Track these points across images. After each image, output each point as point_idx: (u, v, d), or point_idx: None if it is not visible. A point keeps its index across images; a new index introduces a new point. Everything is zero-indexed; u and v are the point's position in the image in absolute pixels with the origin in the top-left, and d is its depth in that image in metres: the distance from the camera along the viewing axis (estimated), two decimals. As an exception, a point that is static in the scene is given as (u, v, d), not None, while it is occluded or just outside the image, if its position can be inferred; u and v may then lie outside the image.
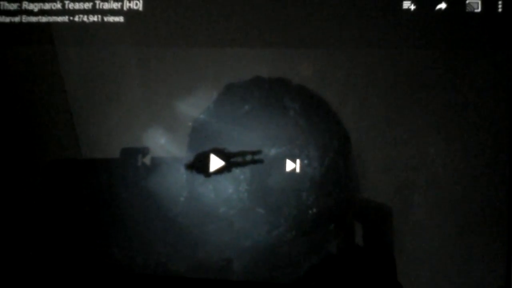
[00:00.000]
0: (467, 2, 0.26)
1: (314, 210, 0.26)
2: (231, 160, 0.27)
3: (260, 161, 0.26)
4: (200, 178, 0.27)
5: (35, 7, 0.28)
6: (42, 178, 0.28)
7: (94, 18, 0.28)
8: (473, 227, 0.26)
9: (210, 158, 0.27)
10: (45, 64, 0.28)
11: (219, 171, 0.27)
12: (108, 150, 0.27)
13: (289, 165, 0.26)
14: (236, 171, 0.27)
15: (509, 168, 0.26)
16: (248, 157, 0.26)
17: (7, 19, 0.28)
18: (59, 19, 0.28)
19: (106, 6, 0.27)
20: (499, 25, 0.26)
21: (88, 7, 0.28)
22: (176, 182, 0.27)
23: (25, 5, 0.28)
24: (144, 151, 0.27)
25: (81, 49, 0.28)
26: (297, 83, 0.26)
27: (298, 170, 0.26)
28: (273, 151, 0.26)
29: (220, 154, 0.27)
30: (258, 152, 0.26)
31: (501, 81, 0.26)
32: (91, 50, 0.28)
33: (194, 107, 0.27)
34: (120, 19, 0.27)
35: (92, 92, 0.28)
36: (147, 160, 0.27)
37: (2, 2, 0.28)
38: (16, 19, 0.28)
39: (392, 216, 0.26)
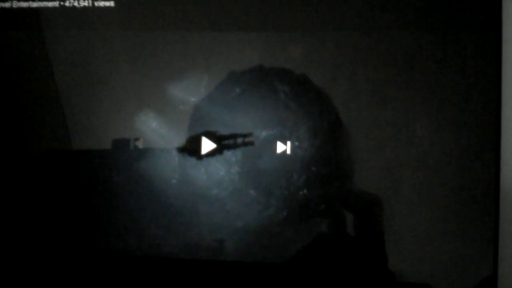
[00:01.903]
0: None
1: (305, 191, 0.26)
2: (223, 143, 0.27)
3: (251, 144, 0.27)
4: (192, 160, 0.27)
5: (25, -9, 0.28)
6: (35, 167, 0.28)
7: (84, 3, 0.28)
8: (461, 209, 0.26)
9: (202, 141, 0.27)
10: (36, 50, 0.28)
11: (211, 154, 0.27)
12: (100, 135, 0.27)
13: (280, 147, 0.27)
14: (228, 153, 0.27)
15: (497, 150, 0.26)
16: (239, 140, 0.27)
17: (-3, 4, 0.28)
18: (50, 4, 0.28)
19: (96, -10, 0.28)
20: (485, 7, 0.26)
21: (78, -9, 0.28)
22: (168, 165, 0.27)
23: (15, -10, 0.28)
24: (136, 137, 0.27)
25: (71, 34, 0.28)
26: (287, 66, 0.27)
27: (288, 152, 0.27)
28: (264, 134, 0.27)
29: (212, 137, 0.27)
30: (249, 134, 0.27)
31: (487, 63, 0.26)
32: (81, 35, 0.28)
33: (185, 91, 0.27)
34: (111, 3, 0.27)
35: (83, 77, 0.28)
36: (139, 143, 0.27)
37: (-8, -13, 0.28)
38: (7, 4, 0.28)
39: (382, 198, 0.26)
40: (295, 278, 0.26)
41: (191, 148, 0.27)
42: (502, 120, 0.26)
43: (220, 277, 0.27)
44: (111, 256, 0.27)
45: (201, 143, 0.27)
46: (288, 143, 0.27)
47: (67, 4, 0.28)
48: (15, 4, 0.28)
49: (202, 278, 0.27)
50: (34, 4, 0.28)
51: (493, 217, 0.26)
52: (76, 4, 0.28)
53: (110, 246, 0.27)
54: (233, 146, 0.27)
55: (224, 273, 0.27)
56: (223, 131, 0.27)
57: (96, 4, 0.27)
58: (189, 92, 0.27)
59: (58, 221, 0.28)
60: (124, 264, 0.27)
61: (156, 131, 0.27)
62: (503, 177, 0.26)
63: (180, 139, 0.27)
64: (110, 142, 0.27)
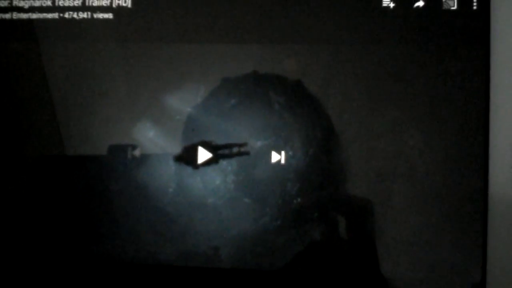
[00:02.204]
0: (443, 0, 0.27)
1: (299, 199, 0.27)
2: (219, 152, 0.27)
3: (246, 153, 0.27)
4: (189, 170, 0.28)
5: (25, 4, 0.29)
6: (31, 173, 0.28)
7: (84, 15, 0.28)
8: (450, 217, 0.27)
9: (198, 150, 0.27)
10: (36, 61, 0.29)
11: (207, 163, 0.27)
12: (97, 144, 0.28)
13: (275, 157, 0.27)
14: (223, 163, 0.27)
15: (485, 158, 0.27)
16: (235, 149, 0.27)
17: (-3, 16, 0.29)
18: (50, 16, 0.28)
19: (95, 3, 0.28)
20: (474, 22, 0.27)
21: (78, 4, 0.28)
22: (165, 174, 0.28)
23: (16, 2, 0.29)
24: (133, 145, 0.28)
25: (71, 46, 0.28)
26: (282, 77, 0.27)
27: (283, 161, 0.27)
28: (259, 143, 0.27)
29: (208, 146, 0.27)
30: (245, 144, 0.27)
31: (476, 75, 0.27)
32: (81, 47, 0.28)
33: (182, 102, 0.28)
34: (110, 16, 0.28)
35: (81, 88, 0.28)
36: (136, 153, 0.28)
37: (-8, -1, 0.29)
38: (7, 16, 0.29)
39: (373, 206, 0.27)
40: (289, 285, 0.27)
41: (188, 157, 0.27)
42: (490, 130, 0.27)
43: (216, 284, 0.27)
44: (107, 264, 0.28)
45: (197, 153, 0.27)
46: (283, 152, 0.27)
47: (66, 16, 0.28)
48: (15, 16, 0.29)
49: (198, 285, 0.27)
50: (34, 16, 0.29)
51: (482, 224, 0.27)
52: (75, 16, 0.28)
53: (107, 253, 0.28)
54: (229, 156, 0.27)
55: (220, 280, 0.27)
56: (219, 141, 0.27)
57: (95, 16, 0.28)
58: (185, 102, 0.28)
59: (53, 229, 0.28)
60: (120, 271, 0.28)
61: (153, 141, 0.28)
62: (491, 185, 0.27)
63: (176, 149, 0.28)
64: (107, 150, 0.28)
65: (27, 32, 0.29)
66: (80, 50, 0.28)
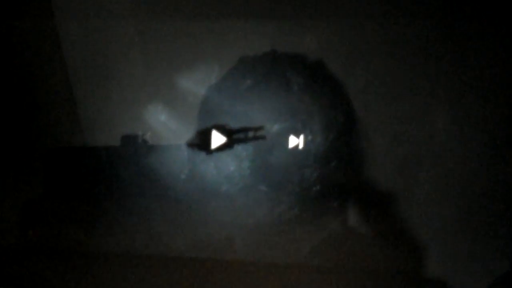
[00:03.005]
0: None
1: (318, 187, 0.25)
2: (233, 137, 0.26)
3: (262, 137, 0.26)
4: (202, 155, 0.26)
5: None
6: (44, 162, 0.27)
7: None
8: (480, 207, 0.25)
9: (212, 134, 0.26)
10: (46, 39, 0.27)
11: (221, 148, 0.26)
12: (108, 128, 0.27)
13: (292, 141, 0.26)
14: (238, 147, 0.26)
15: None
16: (251, 133, 0.26)
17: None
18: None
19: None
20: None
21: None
22: (177, 160, 0.26)
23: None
24: (147, 127, 0.26)
25: (83, 23, 0.27)
26: (301, 56, 0.26)
27: (301, 146, 0.26)
28: (276, 127, 0.26)
29: (222, 130, 0.26)
30: (261, 128, 0.26)
31: (508, 53, 0.25)
32: (93, 24, 0.27)
33: (195, 83, 0.26)
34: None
35: (93, 67, 0.27)
36: (148, 137, 0.26)
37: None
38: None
39: (396, 194, 0.25)
40: (307, 279, 0.25)
41: (201, 142, 0.26)
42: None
43: (229, 278, 0.26)
44: (118, 254, 0.26)
45: (211, 137, 0.26)
46: (301, 137, 0.26)
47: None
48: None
49: (210, 278, 0.26)
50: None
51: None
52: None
53: (118, 243, 0.26)
54: (244, 140, 0.26)
55: (233, 273, 0.26)
56: (234, 124, 0.26)
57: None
58: (199, 84, 0.26)
59: (67, 216, 0.27)
60: (131, 261, 0.26)
61: (165, 125, 0.26)
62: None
63: (189, 133, 0.26)
64: (119, 136, 0.27)
65: (37, 10, 0.27)
66: (92, 28, 0.27)
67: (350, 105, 0.25)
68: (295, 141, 0.26)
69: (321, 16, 0.26)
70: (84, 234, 0.27)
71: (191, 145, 0.26)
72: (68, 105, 0.27)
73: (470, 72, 0.25)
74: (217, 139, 0.26)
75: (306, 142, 0.26)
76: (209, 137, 0.26)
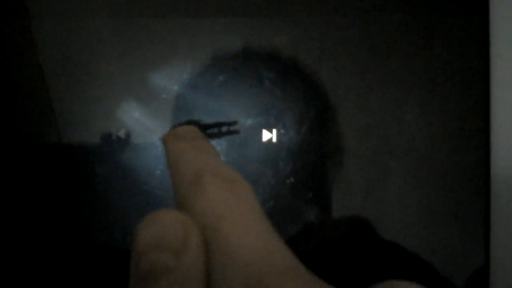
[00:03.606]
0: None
1: (292, 179, 0.26)
2: (207, 132, 0.26)
3: (236, 132, 0.26)
4: (176, 150, 0.26)
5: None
6: (19, 159, 0.27)
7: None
8: (450, 197, 0.26)
9: (186, 130, 0.26)
10: (20, 37, 0.27)
11: (195, 143, 0.26)
12: (83, 124, 0.27)
13: (266, 135, 0.26)
14: (213, 142, 0.26)
15: (486, 133, 0.26)
16: (224, 128, 0.26)
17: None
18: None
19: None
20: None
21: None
22: (152, 155, 0.26)
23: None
24: (120, 124, 0.27)
25: (55, 23, 0.27)
26: (272, 52, 0.26)
27: (274, 139, 0.26)
28: (249, 122, 0.26)
29: (196, 125, 0.26)
30: (234, 122, 0.26)
31: (475, 45, 0.26)
32: (65, 24, 0.27)
33: (168, 79, 0.26)
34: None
35: (66, 66, 0.27)
36: (122, 133, 0.27)
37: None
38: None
39: (369, 185, 0.26)
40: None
41: (175, 137, 0.26)
42: (491, 103, 0.26)
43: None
44: (95, 249, 0.27)
45: (185, 132, 0.26)
46: (274, 131, 0.26)
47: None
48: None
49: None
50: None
51: (484, 205, 0.25)
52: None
53: (95, 238, 0.27)
54: (218, 135, 0.26)
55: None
56: (208, 119, 0.26)
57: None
58: (172, 80, 0.26)
59: (42, 211, 0.27)
60: (108, 256, 0.27)
61: (139, 121, 0.27)
62: (493, 163, 0.26)
63: (163, 129, 0.26)
64: (93, 133, 0.27)
65: (13, 11, 0.27)
66: (64, 27, 0.27)
67: (322, 99, 0.26)
68: (268, 135, 0.26)
69: (292, 12, 0.26)
70: (58, 231, 0.27)
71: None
72: (41, 103, 0.27)
73: (438, 66, 0.26)
74: (192, 134, 0.26)
75: (279, 136, 0.26)
76: (183, 133, 0.26)
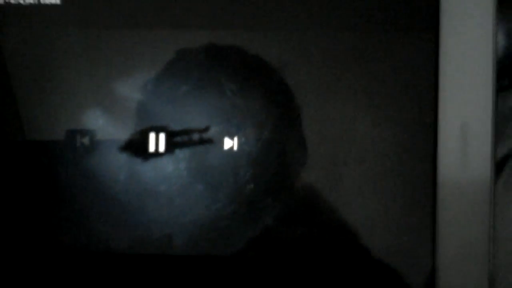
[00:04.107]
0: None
1: (252, 185, 0.27)
2: (171, 140, 0.27)
3: (199, 140, 0.27)
4: (140, 157, 0.27)
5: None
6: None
7: (30, 0, 0.27)
8: (399, 204, 0.27)
9: (149, 137, 0.27)
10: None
11: (159, 150, 0.27)
12: (46, 132, 0.27)
13: (227, 143, 0.27)
14: (176, 150, 0.27)
15: (434, 144, 0.27)
16: (188, 136, 0.27)
17: None
18: (-5, 1, 0.28)
19: (42, -12, 0.27)
20: (423, 6, 0.27)
21: (23, -12, 0.27)
22: (116, 162, 0.27)
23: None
24: (83, 132, 0.27)
25: (18, 32, 0.28)
26: (234, 63, 0.27)
27: (235, 147, 0.27)
28: (211, 130, 0.27)
29: (160, 133, 0.27)
30: (197, 131, 0.27)
31: (425, 61, 0.27)
32: (28, 33, 0.28)
33: (132, 89, 0.27)
34: (57, 1, 0.27)
35: (30, 75, 0.28)
36: (86, 140, 0.27)
37: None
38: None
39: (322, 191, 0.27)
40: (243, 271, 0.27)
41: (139, 145, 0.27)
42: (439, 115, 0.27)
43: (169, 272, 0.27)
44: (59, 252, 0.27)
45: (148, 140, 0.27)
46: (235, 139, 0.27)
47: (12, 1, 0.27)
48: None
49: (151, 273, 0.27)
50: (-21, 1, 0.28)
51: (431, 210, 0.27)
52: (21, 1, 0.27)
53: (59, 242, 0.27)
54: (181, 143, 0.27)
55: (173, 267, 0.27)
56: (171, 128, 0.27)
57: (41, 1, 0.27)
58: (136, 90, 0.27)
59: (5, 215, 0.28)
60: (72, 259, 0.27)
61: (103, 129, 0.27)
62: (440, 170, 0.27)
63: (127, 136, 0.27)
64: (57, 140, 0.27)
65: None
66: (27, 36, 0.27)
67: (281, 109, 0.27)
68: (230, 143, 0.27)
69: (253, 24, 0.27)
70: (21, 232, 0.27)
71: (129, 148, 0.27)
72: (7, 109, 0.28)
73: (389, 81, 0.27)
74: (155, 142, 0.27)
75: (240, 144, 0.27)
76: (146, 140, 0.27)
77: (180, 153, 0.27)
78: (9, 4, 0.28)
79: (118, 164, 0.27)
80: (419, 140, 0.27)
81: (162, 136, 0.27)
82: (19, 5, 0.28)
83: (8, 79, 0.28)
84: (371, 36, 0.27)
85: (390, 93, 0.27)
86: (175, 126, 0.27)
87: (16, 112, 0.28)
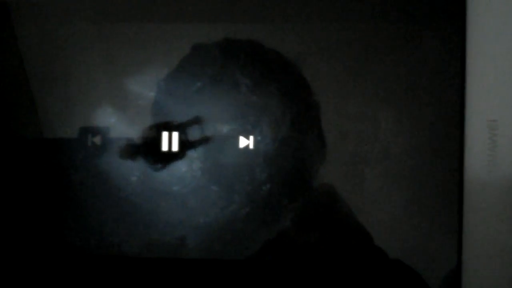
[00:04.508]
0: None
1: (268, 186, 0.26)
2: (184, 139, 0.26)
3: (213, 139, 0.26)
4: (152, 157, 0.26)
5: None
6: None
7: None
8: (424, 202, 0.26)
9: (162, 136, 0.26)
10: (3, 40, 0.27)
11: (172, 150, 0.26)
12: (57, 130, 0.27)
13: (243, 142, 0.26)
14: (189, 149, 0.26)
15: (460, 140, 0.26)
16: (201, 135, 0.26)
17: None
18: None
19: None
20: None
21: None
22: (128, 162, 0.26)
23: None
24: (94, 131, 0.26)
25: (30, 27, 0.27)
26: (250, 58, 0.26)
27: (251, 146, 0.26)
28: (226, 128, 0.26)
29: (173, 132, 0.26)
30: (211, 129, 0.26)
31: (451, 53, 0.26)
32: (43, 28, 0.27)
33: (144, 85, 0.26)
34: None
35: (40, 71, 0.27)
36: (97, 140, 0.26)
37: None
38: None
39: (343, 191, 0.26)
40: (259, 275, 0.26)
41: (151, 144, 0.26)
42: (466, 110, 0.26)
43: (182, 276, 0.26)
44: (69, 255, 0.26)
45: (161, 139, 0.26)
46: (251, 137, 0.26)
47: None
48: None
49: (164, 277, 0.26)
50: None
51: (457, 208, 0.26)
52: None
53: (69, 244, 0.26)
54: (195, 142, 0.26)
55: (186, 271, 0.26)
56: (184, 126, 0.26)
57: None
58: (149, 86, 0.26)
59: (15, 216, 0.27)
60: (83, 263, 0.26)
61: (114, 127, 0.26)
62: (467, 168, 0.26)
63: (139, 135, 0.26)
64: (68, 139, 0.27)
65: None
66: (41, 31, 0.27)
67: (299, 105, 0.26)
68: (245, 142, 0.26)
69: (271, 17, 0.26)
70: (32, 237, 0.27)
71: (141, 147, 0.26)
72: (18, 108, 0.27)
73: (414, 73, 0.26)
74: (168, 141, 0.26)
75: (256, 142, 0.26)
76: (159, 139, 0.26)
77: (193, 153, 0.26)
78: None
79: (130, 164, 0.26)
80: (445, 138, 0.26)
81: (175, 135, 0.26)
82: (31, 0, 0.27)
83: (20, 76, 0.27)
84: (395, 28, 0.26)
85: (414, 87, 0.26)
86: (189, 124, 0.26)
87: (27, 109, 0.27)
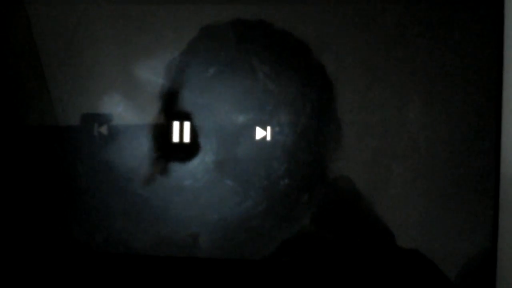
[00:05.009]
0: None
1: (286, 180, 0.24)
2: (196, 129, 0.25)
3: (227, 129, 0.25)
4: (163, 148, 0.25)
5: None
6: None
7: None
8: (456, 195, 0.24)
9: (173, 126, 0.25)
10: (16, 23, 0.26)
11: (184, 141, 0.25)
12: (64, 118, 0.25)
13: (259, 133, 0.25)
14: (202, 140, 0.25)
15: (497, 134, 0.24)
16: (215, 125, 0.25)
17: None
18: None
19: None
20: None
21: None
22: (138, 153, 0.25)
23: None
24: (102, 118, 0.25)
25: (50, 7, 0.26)
26: (267, 43, 0.24)
27: (268, 138, 0.24)
28: (241, 118, 0.25)
29: (184, 122, 0.25)
30: (226, 119, 0.25)
31: (486, 40, 0.24)
32: (53, 9, 0.26)
33: (155, 72, 0.25)
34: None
35: (49, 55, 0.26)
36: (104, 129, 0.25)
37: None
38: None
39: (368, 186, 0.24)
40: (275, 276, 0.24)
41: (162, 134, 0.25)
42: (503, 101, 0.24)
43: (194, 276, 0.25)
44: (76, 252, 0.25)
45: (173, 129, 0.25)
46: (268, 128, 0.24)
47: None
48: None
49: (175, 277, 0.25)
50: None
51: (492, 213, 0.24)
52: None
53: (75, 240, 0.25)
54: (208, 132, 0.25)
55: (198, 270, 0.25)
56: (197, 115, 0.25)
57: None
58: (159, 73, 0.25)
59: (21, 211, 0.26)
60: (89, 260, 0.25)
61: (123, 116, 0.25)
62: (503, 165, 0.24)
63: (149, 125, 0.25)
64: (74, 129, 0.25)
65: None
66: (51, 12, 0.25)
67: (319, 94, 0.24)
68: (262, 133, 0.24)
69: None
70: (38, 229, 0.26)
71: (152, 137, 0.25)
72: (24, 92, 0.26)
73: (444, 60, 0.24)
74: (180, 131, 0.25)
75: (273, 134, 0.24)
76: (171, 129, 0.25)
77: (206, 144, 0.25)
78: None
79: (140, 156, 0.25)
80: (480, 132, 0.24)
81: (187, 125, 0.25)
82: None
83: (32, 61, 0.26)
84: (427, 9, 0.24)
85: (446, 75, 0.24)
86: (201, 114, 0.25)
87: (31, 94, 0.26)
